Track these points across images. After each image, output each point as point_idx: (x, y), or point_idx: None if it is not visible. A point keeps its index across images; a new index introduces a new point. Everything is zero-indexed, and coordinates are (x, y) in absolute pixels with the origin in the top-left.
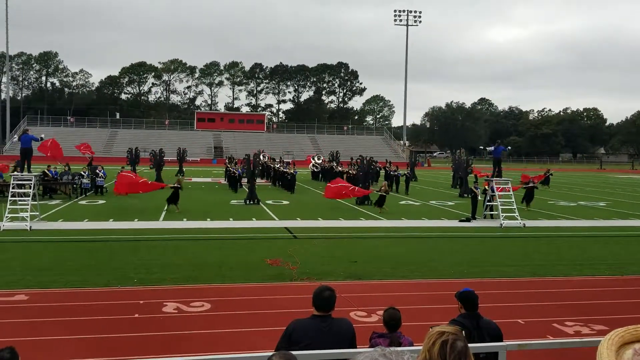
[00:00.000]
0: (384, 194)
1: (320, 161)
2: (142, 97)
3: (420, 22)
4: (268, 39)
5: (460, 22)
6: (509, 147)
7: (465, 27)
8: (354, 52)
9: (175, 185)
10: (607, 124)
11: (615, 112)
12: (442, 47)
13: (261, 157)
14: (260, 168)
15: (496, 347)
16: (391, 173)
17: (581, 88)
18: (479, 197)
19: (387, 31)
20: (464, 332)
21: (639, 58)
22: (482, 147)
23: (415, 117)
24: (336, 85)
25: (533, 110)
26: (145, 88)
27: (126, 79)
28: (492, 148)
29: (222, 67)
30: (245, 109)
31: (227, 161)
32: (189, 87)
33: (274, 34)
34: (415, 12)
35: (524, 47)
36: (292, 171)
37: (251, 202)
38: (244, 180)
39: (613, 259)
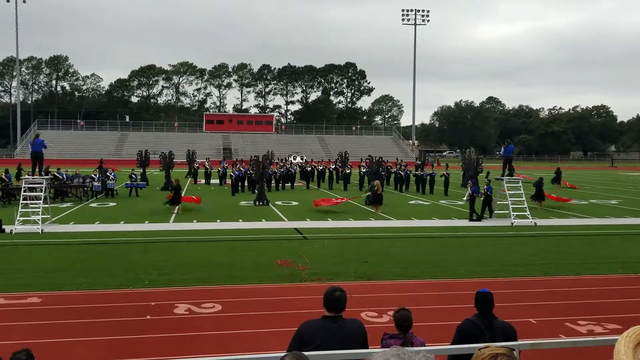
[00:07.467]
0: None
1: (297, 160)
2: (152, 100)
3: (428, 21)
4: (275, 40)
5: (455, 19)
6: (507, 141)
7: (459, 25)
8: (361, 51)
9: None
10: (618, 121)
11: (618, 109)
12: (440, 46)
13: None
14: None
15: (509, 346)
16: (400, 172)
17: (581, 85)
18: (481, 197)
19: (395, 30)
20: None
21: (630, 53)
22: (499, 153)
23: (423, 117)
24: (344, 85)
25: (543, 109)
26: (155, 91)
27: (136, 82)
28: (502, 149)
29: (230, 69)
30: (253, 110)
31: (205, 162)
32: (198, 90)
33: (281, 35)
34: (423, 11)
35: (519, 44)
36: (269, 171)
37: (260, 203)
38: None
39: (625, 258)
